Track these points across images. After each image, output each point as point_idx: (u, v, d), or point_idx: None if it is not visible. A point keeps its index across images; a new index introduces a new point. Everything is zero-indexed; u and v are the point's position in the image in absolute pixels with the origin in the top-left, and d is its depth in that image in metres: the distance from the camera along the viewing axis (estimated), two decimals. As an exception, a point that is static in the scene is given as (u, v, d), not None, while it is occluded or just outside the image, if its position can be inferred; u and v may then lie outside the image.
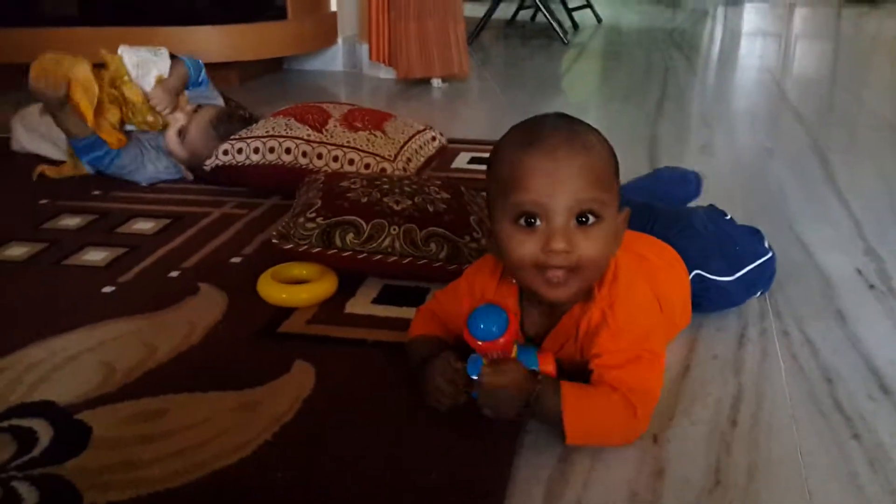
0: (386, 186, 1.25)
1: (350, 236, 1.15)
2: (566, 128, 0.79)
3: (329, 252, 1.15)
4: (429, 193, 1.24)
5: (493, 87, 2.86)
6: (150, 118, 1.67)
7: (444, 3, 2.64)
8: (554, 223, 0.76)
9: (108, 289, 1.18)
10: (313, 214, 1.18)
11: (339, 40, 3.08)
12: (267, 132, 1.54)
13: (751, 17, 5.22)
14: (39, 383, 0.92)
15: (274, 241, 1.18)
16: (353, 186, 1.24)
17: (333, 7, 3.05)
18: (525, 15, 4.58)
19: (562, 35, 3.73)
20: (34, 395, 0.89)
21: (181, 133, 1.64)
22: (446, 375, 0.81)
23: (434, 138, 1.68)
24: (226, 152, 1.54)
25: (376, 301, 1.13)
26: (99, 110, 1.61)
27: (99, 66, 1.67)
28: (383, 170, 1.48)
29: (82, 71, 1.58)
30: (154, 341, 1.02)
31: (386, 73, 2.89)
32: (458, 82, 2.83)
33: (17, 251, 1.32)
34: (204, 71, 1.77)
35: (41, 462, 0.77)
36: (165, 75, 1.71)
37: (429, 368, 0.84)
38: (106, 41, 2.59)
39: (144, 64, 1.70)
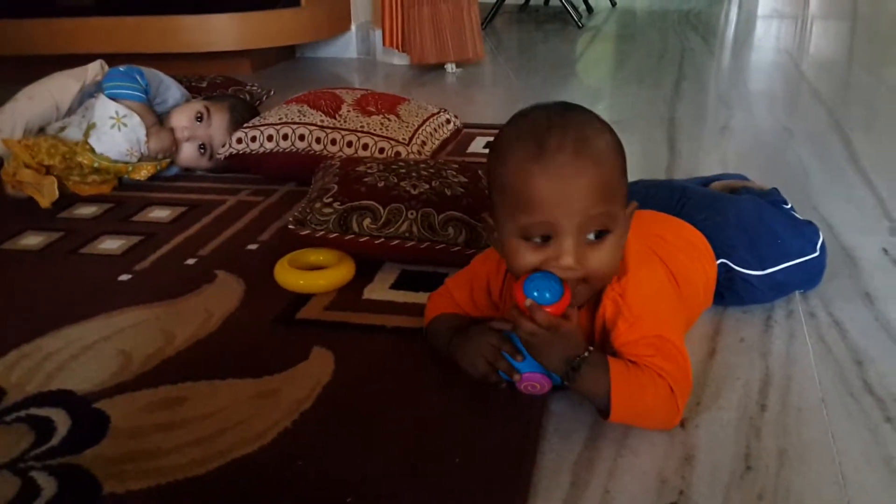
0: (403, 171, 1.23)
1: (367, 221, 1.13)
2: (574, 136, 0.74)
3: (346, 237, 1.13)
4: (446, 177, 1.22)
5: (507, 71, 2.83)
6: (137, 169, 1.55)
7: (457, -13, 2.61)
8: (564, 242, 0.74)
9: (124, 277, 1.17)
10: (330, 199, 1.16)
11: (353, 27, 3.06)
12: (280, 119, 1.53)
13: (767, -2, 5.14)
14: (57, 372, 0.91)
15: (290, 226, 1.16)
16: (369, 171, 1.23)
17: (346, -7, 3.02)
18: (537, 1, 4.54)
19: (576, 18, 3.69)
20: (52, 385, 0.89)
21: (203, 148, 1.59)
22: (492, 339, 0.81)
23: (449, 121, 1.66)
24: (240, 140, 1.53)
25: (394, 286, 1.12)
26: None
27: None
28: (398, 154, 1.47)
29: (26, 175, 1.43)
30: (171, 329, 1.01)
31: (400, 60, 2.87)
32: (472, 67, 2.80)
33: (33, 241, 1.32)
34: (137, 72, 1.59)
35: (59, 452, 0.77)
36: (139, 121, 1.55)
37: (472, 333, 0.84)
38: (120, 31, 2.61)
39: (126, 137, 1.53)
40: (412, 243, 1.13)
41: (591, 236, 0.75)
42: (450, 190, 1.19)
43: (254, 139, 1.52)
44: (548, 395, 0.82)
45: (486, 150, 1.76)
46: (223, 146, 1.55)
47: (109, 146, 1.52)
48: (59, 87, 1.67)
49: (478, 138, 1.86)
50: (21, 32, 2.59)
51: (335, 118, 1.52)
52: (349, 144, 1.49)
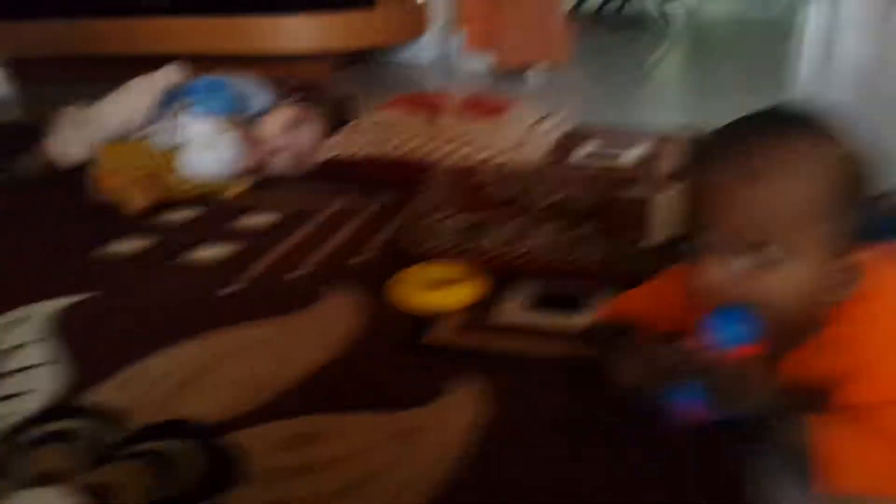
0: (525, 181, 1.12)
1: (493, 236, 1.02)
2: (750, 143, 0.65)
3: (470, 254, 1.03)
4: (572, 189, 1.11)
5: (588, 77, 2.71)
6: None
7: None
8: (710, 256, 0.65)
9: (225, 290, 1.08)
10: (449, 213, 1.06)
11: (430, 30, 2.97)
12: (377, 124, 1.43)
13: (851, 4, 4.94)
14: (168, 401, 0.82)
15: (407, 242, 1.06)
16: (487, 181, 1.12)
17: (424, -5, 2.93)
18: (610, 8, 4.42)
19: (659, 24, 3.56)
20: (163, 414, 0.79)
21: (294, 157, 1.49)
22: (664, 356, 0.71)
23: (554, 127, 1.55)
24: (335, 146, 1.44)
25: (531, 307, 1.00)
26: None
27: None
28: (504, 162, 1.36)
29: (117, 180, 1.38)
30: (286, 353, 0.91)
31: (478, 64, 2.76)
32: (556, 72, 2.69)
33: (125, 247, 1.24)
34: (220, 84, 1.53)
35: (192, 497, 0.67)
36: (228, 139, 1.45)
37: (643, 343, 0.75)
38: (194, 32, 2.55)
39: (216, 158, 1.43)
40: (542, 262, 1.01)
41: (755, 260, 0.64)
42: (580, 203, 1.07)
43: (350, 144, 1.42)
44: (747, 458, 0.70)
45: (591, 161, 1.65)
46: (317, 151, 1.47)
47: (198, 168, 1.43)
48: (135, 99, 1.61)
49: (577, 147, 1.74)
50: (97, 32, 2.55)
51: (436, 124, 1.41)
52: (451, 152, 1.38)
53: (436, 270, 1.04)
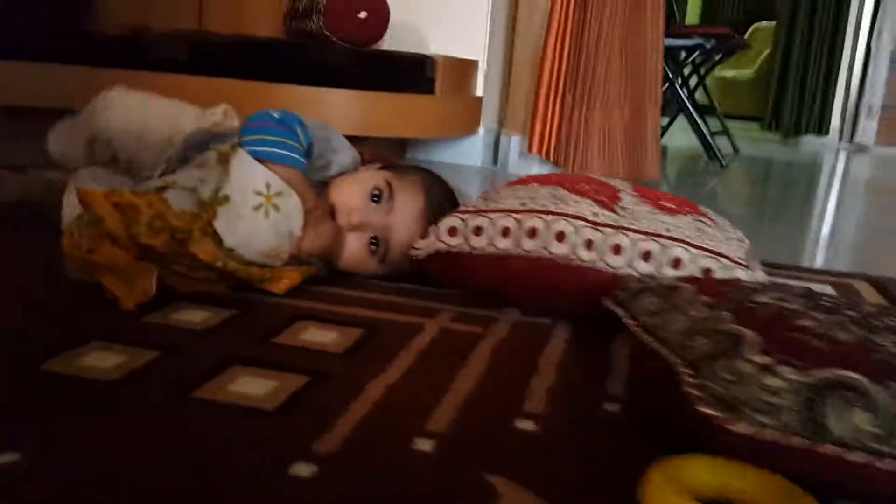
0: (850, 312, 0.63)
1: (859, 416, 0.52)
2: None
3: (815, 448, 0.52)
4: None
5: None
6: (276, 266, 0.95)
7: (641, 89, 2.10)
8: None
9: (300, 469, 0.55)
10: (766, 360, 0.55)
11: (481, 130, 2.55)
12: (523, 205, 0.95)
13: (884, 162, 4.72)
14: None
15: (708, 410, 0.54)
16: (790, 307, 0.63)
17: (479, 91, 2.53)
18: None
19: (720, 157, 3.22)
20: None
21: (375, 244, 1.00)
22: None
23: (742, 240, 1.08)
24: (454, 231, 0.94)
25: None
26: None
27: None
28: (736, 279, 0.86)
29: (111, 257, 0.84)
30: None
31: (542, 168, 2.33)
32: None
33: (104, 361, 0.71)
34: (296, 121, 0.97)
35: None
36: (297, 203, 0.93)
37: None
38: (216, 95, 2.09)
39: (276, 228, 0.92)
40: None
41: None
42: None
43: (478, 231, 0.93)
44: None
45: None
46: (414, 238, 0.97)
47: (248, 239, 0.90)
48: (153, 122, 1.10)
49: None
50: (101, 83, 2.09)
51: (615, 211, 0.93)
52: (644, 256, 0.89)
53: (719, 472, 0.53)
